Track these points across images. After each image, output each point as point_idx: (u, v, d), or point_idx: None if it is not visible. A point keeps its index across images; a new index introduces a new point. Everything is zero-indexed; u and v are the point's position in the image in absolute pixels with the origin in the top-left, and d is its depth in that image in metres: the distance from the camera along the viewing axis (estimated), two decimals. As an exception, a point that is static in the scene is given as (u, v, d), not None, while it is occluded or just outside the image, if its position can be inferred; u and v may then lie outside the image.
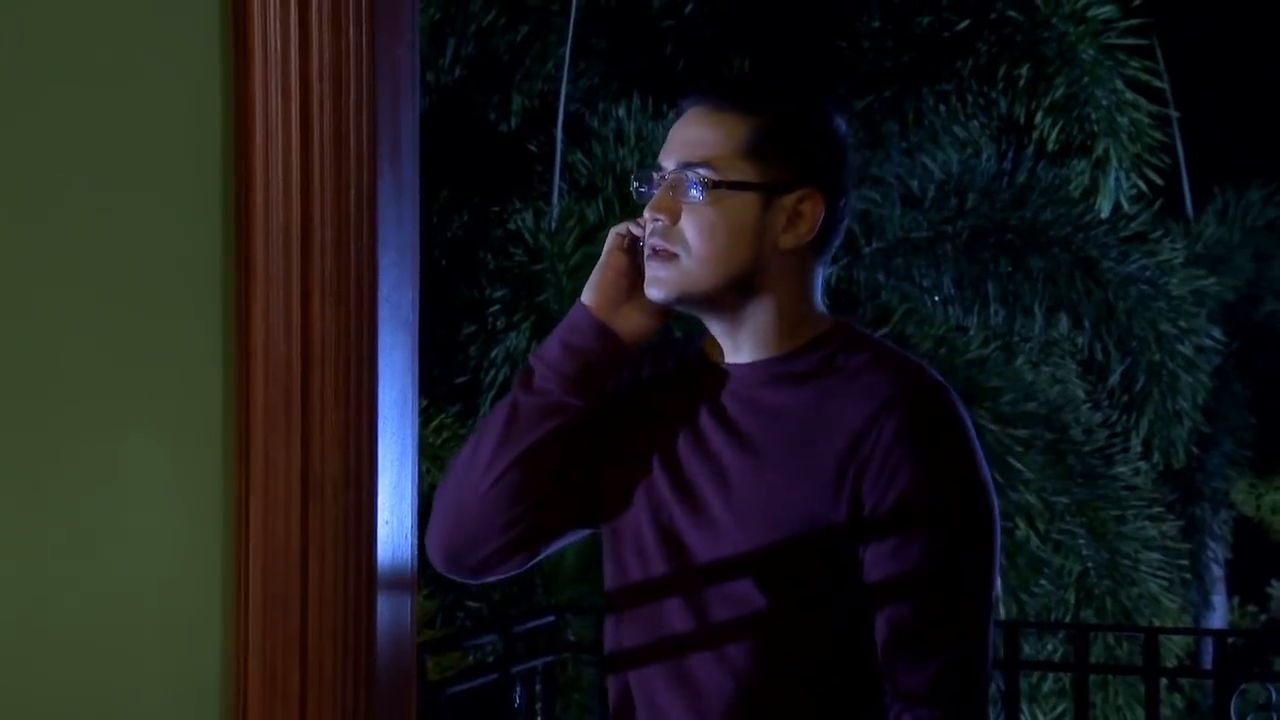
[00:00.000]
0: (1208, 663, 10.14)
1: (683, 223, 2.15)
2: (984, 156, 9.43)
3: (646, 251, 2.19)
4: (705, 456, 2.18)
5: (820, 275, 2.22)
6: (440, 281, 8.67)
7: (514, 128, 9.74)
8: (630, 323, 2.22)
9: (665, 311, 2.23)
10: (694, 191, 2.14)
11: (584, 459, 2.24)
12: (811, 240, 2.19)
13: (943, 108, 9.18)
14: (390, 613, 1.59)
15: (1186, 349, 9.45)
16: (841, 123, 2.23)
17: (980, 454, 2.15)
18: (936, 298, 9.19)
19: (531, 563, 2.28)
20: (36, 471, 1.58)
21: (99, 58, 1.58)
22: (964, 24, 8.95)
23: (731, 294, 2.17)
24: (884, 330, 8.87)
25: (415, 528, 1.66)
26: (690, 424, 2.20)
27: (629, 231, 2.23)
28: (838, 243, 2.23)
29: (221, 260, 1.56)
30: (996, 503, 2.16)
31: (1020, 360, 9.25)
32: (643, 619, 2.22)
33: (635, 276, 2.22)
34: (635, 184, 2.22)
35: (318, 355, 1.55)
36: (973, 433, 2.15)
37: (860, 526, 2.11)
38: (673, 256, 2.16)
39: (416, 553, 1.68)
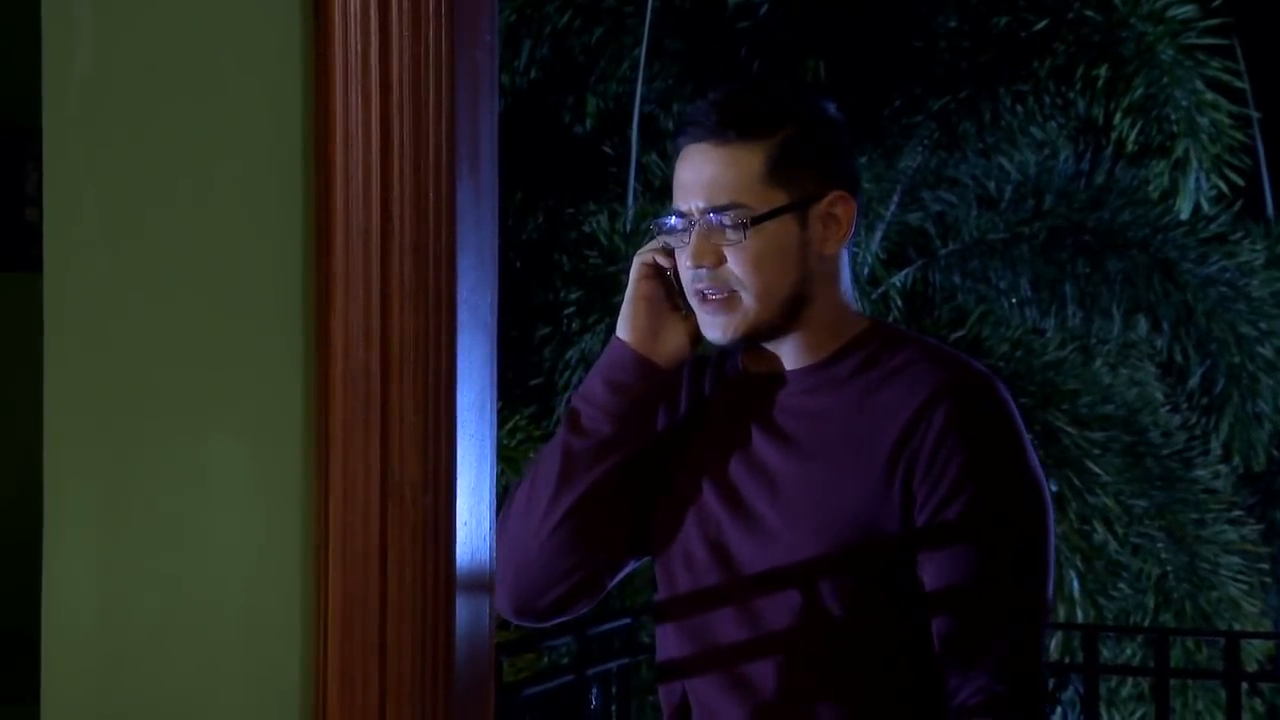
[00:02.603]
0: (1289, 668, 10.04)
1: (730, 264, 2.15)
2: (1061, 157, 9.36)
3: (693, 298, 2.18)
4: (751, 467, 2.18)
5: (848, 267, 2.22)
6: (515, 284, 8.69)
7: (589, 130, 9.75)
8: (667, 349, 2.22)
9: (698, 333, 2.23)
10: (733, 234, 2.14)
11: (638, 493, 2.25)
12: None
13: (1020, 108, 9.12)
14: (469, 614, 1.59)
15: (1267, 351, 9.34)
16: (832, 106, 2.23)
17: (1029, 442, 2.15)
18: (1013, 300, 9.13)
19: (600, 597, 2.29)
20: (119, 473, 1.59)
21: (179, 64, 1.59)
22: (1041, 24, 8.88)
23: (787, 314, 2.17)
24: (960, 333, 8.83)
25: (493, 530, 1.66)
26: (736, 440, 2.20)
27: (655, 261, 2.23)
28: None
29: (302, 264, 1.57)
30: (1048, 490, 2.16)
31: (1098, 362, 9.18)
32: (696, 628, 2.22)
33: (665, 303, 2.22)
34: (655, 227, 2.22)
35: (397, 358, 1.56)
36: (1021, 422, 2.15)
37: (913, 520, 2.11)
38: (731, 297, 2.16)
39: (494, 554, 1.68)
